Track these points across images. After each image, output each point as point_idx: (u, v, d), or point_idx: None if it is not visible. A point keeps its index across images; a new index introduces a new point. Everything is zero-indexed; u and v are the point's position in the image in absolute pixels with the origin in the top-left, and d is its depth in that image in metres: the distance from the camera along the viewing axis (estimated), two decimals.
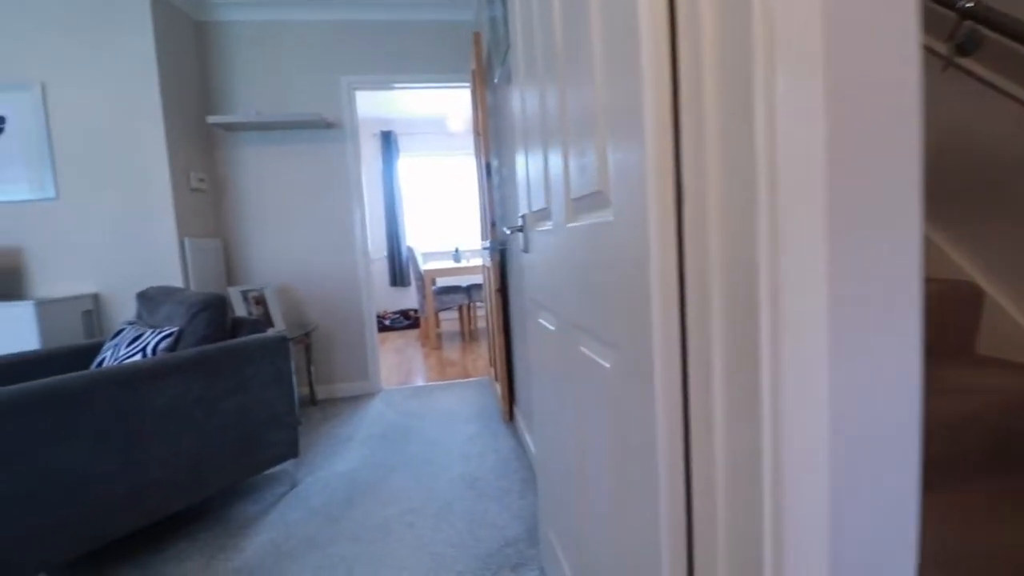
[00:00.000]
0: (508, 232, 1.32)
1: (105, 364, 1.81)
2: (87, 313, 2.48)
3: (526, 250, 1.29)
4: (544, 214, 1.08)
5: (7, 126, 2.42)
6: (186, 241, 2.61)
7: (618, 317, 0.69)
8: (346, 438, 2.47)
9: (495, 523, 1.65)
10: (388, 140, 5.79)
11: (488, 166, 2.50)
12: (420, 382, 3.45)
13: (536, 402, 1.35)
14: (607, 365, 0.74)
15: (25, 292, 2.50)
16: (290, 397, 1.98)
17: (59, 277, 2.51)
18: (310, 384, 3.08)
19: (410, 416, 2.74)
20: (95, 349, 2.03)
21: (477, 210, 6.07)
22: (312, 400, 3.08)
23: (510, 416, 2.59)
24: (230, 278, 3.06)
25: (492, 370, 3.16)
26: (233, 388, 1.78)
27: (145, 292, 2.12)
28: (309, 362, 3.05)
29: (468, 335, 4.80)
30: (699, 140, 0.53)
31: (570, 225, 0.88)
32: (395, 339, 5.11)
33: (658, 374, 0.59)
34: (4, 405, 1.28)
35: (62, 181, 2.47)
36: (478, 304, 5.02)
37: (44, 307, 2.20)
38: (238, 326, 2.01)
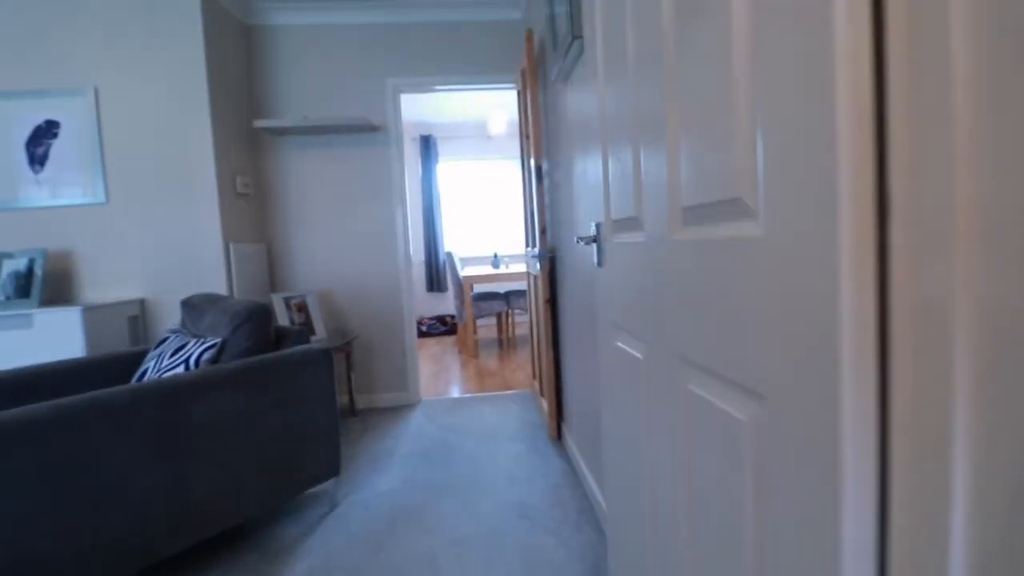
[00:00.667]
0: (580, 242, 1.18)
1: (148, 376, 1.76)
2: (133, 319, 2.47)
3: (600, 263, 1.14)
4: (630, 224, 0.93)
5: (61, 131, 2.44)
6: (231, 246, 2.58)
7: (766, 360, 0.54)
8: (386, 454, 2.37)
9: (553, 561, 1.50)
10: (427, 144, 5.75)
11: (538, 169, 2.36)
12: (459, 393, 3.33)
13: (607, 438, 1.20)
14: (740, 417, 0.59)
15: (75, 297, 2.51)
16: (333, 413, 1.88)
17: (108, 282, 2.51)
18: (350, 394, 3.00)
19: (451, 431, 2.62)
20: (139, 358, 1.99)
21: (516, 216, 5.97)
22: (352, 410, 3.01)
23: (558, 434, 2.44)
24: (272, 284, 3.02)
25: (536, 383, 3.02)
26: (276, 403, 1.69)
27: (189, 300, 2.08)
28: (349, 371, 2.98)
29: (507, 343, 4.67)
30: (924, 120, 0.37)
31: (677, 238, 0.73)
32: (432, 345, 5.03)
33: (847, 451, 0.43)
34: (45, 421, 1.22)
35: (112, 186, 2.47)
36: (517, 311, 4.89)
37: (90, 313, 2.19)
38: (281, 336, 1.93)
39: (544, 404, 2.61)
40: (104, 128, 2.45)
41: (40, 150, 2.43)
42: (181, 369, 1.69)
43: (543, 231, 2.34)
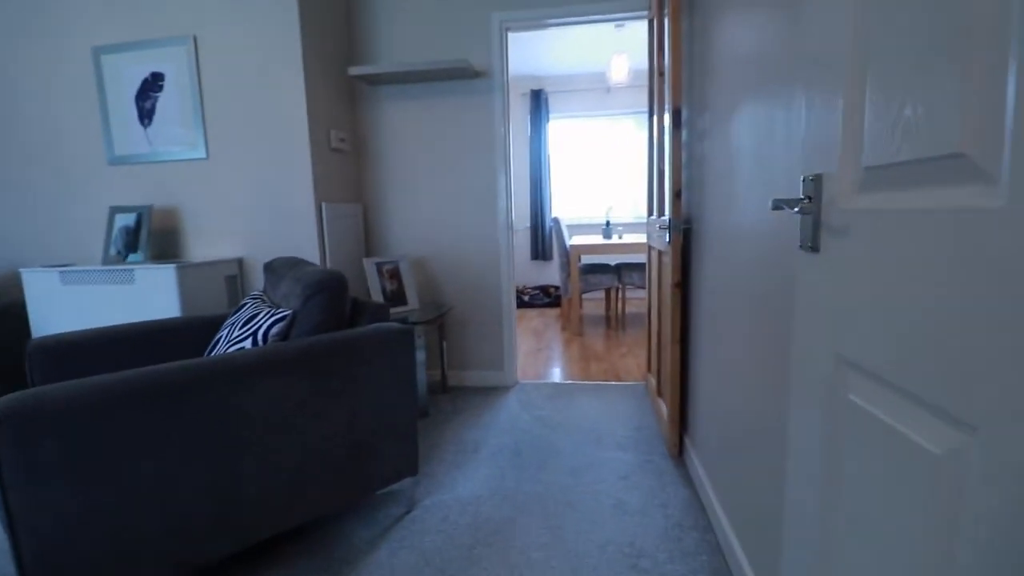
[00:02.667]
0: (793, 209, 0.70)
1: (217, 348, 1.60)
2: (231, 279, 2.41)
3: (814, 246, 0.66)
4: (892, 177, 0.45)
5: (166, 83, 2.38)
6: (324, 206, 2.40)
7: None
8: (473, 447, 2.09)
9: None
10: (538, 100, 5.28)
11: (675, 115, 1.83)
12: (560, 377, 2.97)
13: (797, 524, 0.74)
14: None
15: (182, 253, 2.51)
16: (411, 403, 1.61)
17: (210, 240, 2.47)
18: (442, 369, 2.78)
19: (548, 425, 2.27)
20: (220, 323, 1.87)
21: (634, 180, 5.33)
22: (443, 387, 2.78)
23: (679, 450, 1.97)
24: (367, 248, 2.84)
25: (650, 379, 2.55)
26: (343, 390, 1.44)
27: (271, 263, 1.91)
28: (442, 345, 2.74)
29: (615, 322, 4.19)
30: None
31: None
32: (533, 318, 4.71)
33: None
34: (75, 406, 1.04)
35: (212, 141, 2.39)
36: (629, 287, 4.36)
37: (185, 271, 2.12)
38: (359, 311, 1.68)
39: (663, 408, 2.14)
40: (203, 79, 2.35)
41: (147, 104, 2.40)
42: (248, 344, 1.49)
43: (677, 194, 1.82)
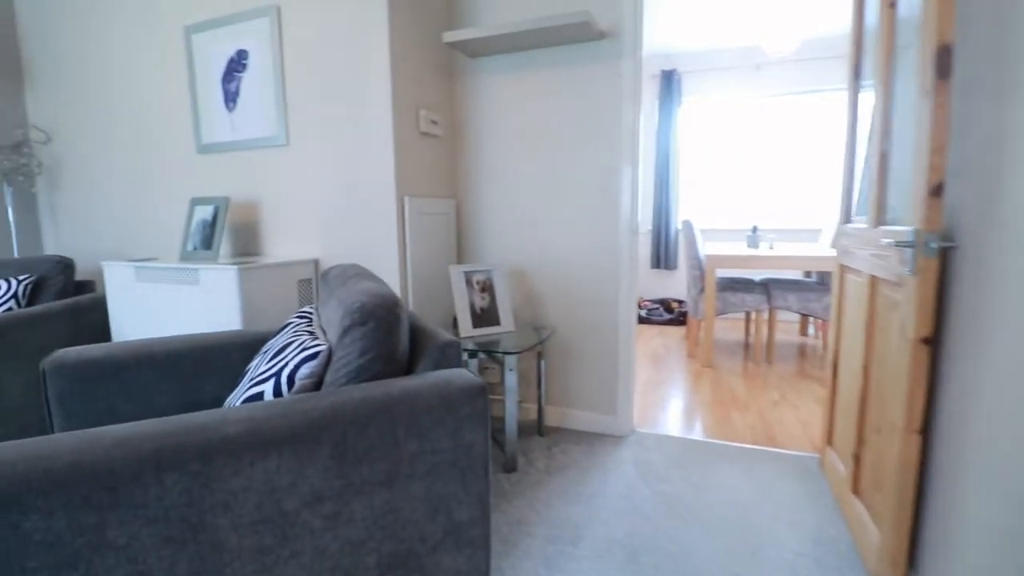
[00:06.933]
0: None
1: (238, 389, 1.22)
2: (304, 283, 2.10)
3: None
4: None
5: (249, 61, 2.12)
6: (407, 201, 1.99)
7: None
8: (572, 533, 1.53)
9: None
10: (669, 82, 4.52)
11: (942, 53, 1.09)
12: (688, 428, 2.28)
13: None
14: None
15: (261, 252, 2.27)
16: (482, 494, 1.09)
17: (288, 237, 2.19)
18: (539, 404, 2.25)
19: (677, 511, 1.63)
20: (261, 344, 1.52)
21: (790, 175, 4.33)
22: (539, 428, 2.25)
23: None
24: (457, 253, 2.40)
25: (833, 458, 1.78)
26: (379, 476, 0.96)
27: (327, 273, 1.51)
28: (540, 376, 2.21)
29: (756, 351, 3.34)
30: None
31: None
32: (651, 337, 4.00)
33: None
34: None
35: (292, 123, 2.09)
36: (781, 310, 3.48)
37: (249, 274, 1.83)
38: (418, 347, 1.20)
39: (865, 519, 1.40)
40: (285, 53, 2.05)
41: (232, 86, 2.17)
42: (268, 388, 1.08)
43: (936, 190, 1.08)
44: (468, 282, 2.10)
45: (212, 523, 0.81)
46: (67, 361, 1.31)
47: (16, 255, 2.65)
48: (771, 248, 3.50)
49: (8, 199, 2.57)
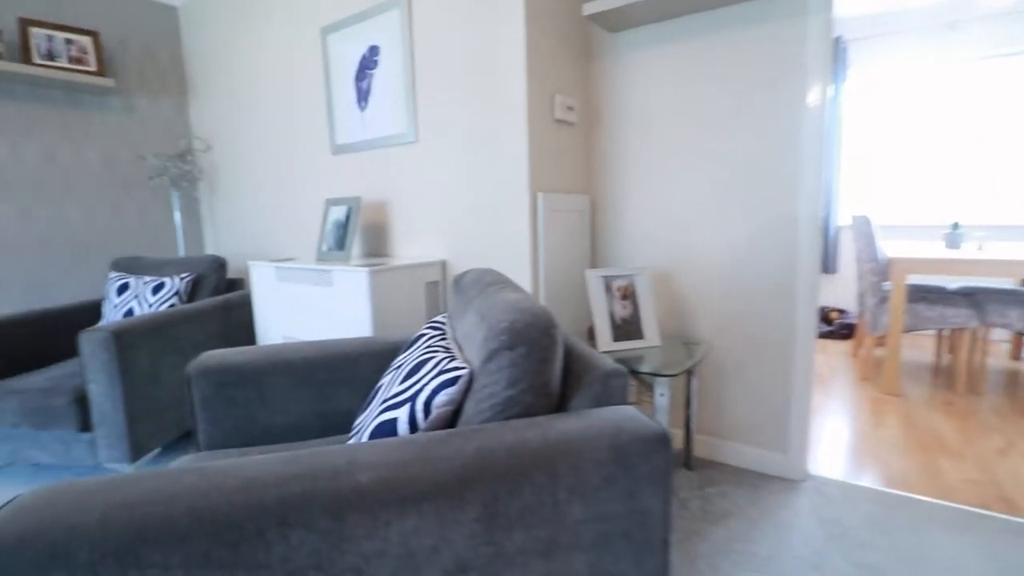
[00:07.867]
0: None
1: (369, 410, 1.09)
2: (432, 286, 2.00)
3: None
4: None
5: (380, 57, 2.07)
6: (540, 197, 1.79)
7: None
8: None
9: None
10: (835, 51, 3.84)
11: None
12: (883, 480, 1.81)
13: None
14: None
15: (390, 252, 2.22)
16: (658, 573, 0.84)
17: (415, 237, 2.11)
18: (687, 432, 1.93)
19: None
20: (393, 355, 1.40)
21: (1004, 158, 3.44)
22: (686, 460, 1.93)
23: None
24: (593, 256, 2.16)
25: None
26: (536, 546, 0.75)
27: (461, 279, 1.35)
28: (689, 398, 1.89)
29: (963, 382, 2.65)
30: None
31: None
32: None
33: None
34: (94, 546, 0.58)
35: (421, 118, 1.99)
36: (998, 328, 2.75)
37: (379, 276, 1.75)
38: (572, 374, 0.98)
39: None
40: (415, 45, 1.95)
41: (364, 84, 2.14)
42: (402, 416, 0.93)
43: None
44: (608, 288, 1.84)
45: None
46: (210, 366, 1.29)
47: (182, 255, 2.91)
48: (980, 249, 2.78)
49: (175, 203, 2.83)
